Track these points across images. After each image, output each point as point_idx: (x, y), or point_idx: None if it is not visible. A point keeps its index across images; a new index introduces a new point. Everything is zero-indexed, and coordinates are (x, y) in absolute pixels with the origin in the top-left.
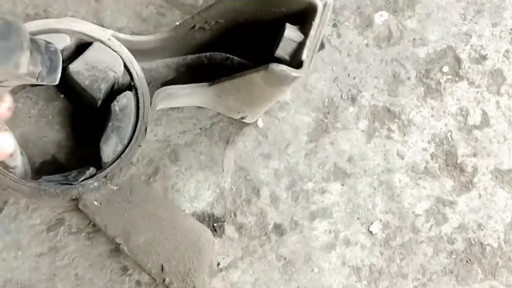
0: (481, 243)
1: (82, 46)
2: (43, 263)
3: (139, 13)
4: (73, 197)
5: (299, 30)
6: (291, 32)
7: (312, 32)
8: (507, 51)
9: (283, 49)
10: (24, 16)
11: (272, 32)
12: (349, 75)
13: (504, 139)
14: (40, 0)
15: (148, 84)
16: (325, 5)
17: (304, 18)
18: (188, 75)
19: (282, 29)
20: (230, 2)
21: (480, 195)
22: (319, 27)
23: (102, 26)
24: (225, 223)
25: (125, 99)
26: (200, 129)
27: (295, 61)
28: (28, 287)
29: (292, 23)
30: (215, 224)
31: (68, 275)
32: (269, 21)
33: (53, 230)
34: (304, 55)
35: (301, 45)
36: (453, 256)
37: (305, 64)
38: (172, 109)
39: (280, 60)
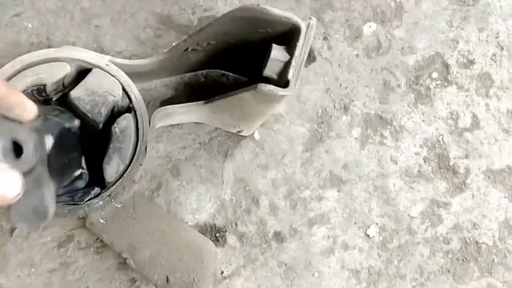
0: (477, 241)
1: (82, 73)
2: (55, 278)
3: (137, 37)
4: (80, 216)
5: (285, 50)
6: (277, 53)
7: (297, 52)
8: (494, 54)
9: (271, 69)
10: (28, 45)
11: (261, 51)
12: (340, 85)
13: (494, 140)
14: (43, 28)
15: (148, 103)
16: (308, 25)
17: (289, 38)
18: (186, 92)
19: (269, 49)
20: (219, 26)
21: (473, 195)
22: (304, 46)
23: (103, 50)
24: (227, 233)
25: (125, 121)
26: (200, 144)
27: (282, 80)
28: None
29: (279, 43)
30: (217, 234)
31: None
32: (257, 41)
33: (64, 247)
34: (290, 74)
35: (287, 65)
36: (450, 256)
37: (291, 83)
38: (172, 126)
39: (268, 79)
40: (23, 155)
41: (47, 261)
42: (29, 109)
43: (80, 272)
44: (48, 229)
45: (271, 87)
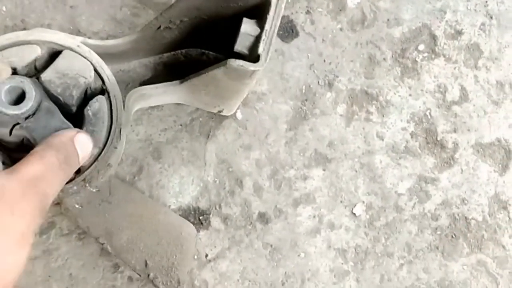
0: (466, 217)
1: (54, 55)
2: (38, 266)
3: (114, 16)
4: (55, 202)
5: (256, 24)
6: (247, 27)
7: (267, 26)
8: (483, 24)
9: (241, 44)
10: (3, 28)
11: (235, 26)
12: (324, 60)
13: (484, 113)
14: (17, 11)
15: (127, 85)
16: None
17: (261, 12)
18: (166, 73)
19: (240, 24)
20: (189, 1)
21: (462, 170)
22: (274, 19)
23: (79, 31)
24: (211, 216)
25: (98, 104)
26: (181, 125)
27: (253, 55)
28: None
29: (251, 17)
30: (201, 217)
31: (63, 276)
32: (230, 16)
33: (45, 234)
34: (261, 49)
35: (258, 39)
36: (438, 232)
37: (262, 58)
38: (152, 108)
39: (240, 55)
40: (27, 96)
41: None
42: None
43: (63, 259)
44: None
45: (240, 62)
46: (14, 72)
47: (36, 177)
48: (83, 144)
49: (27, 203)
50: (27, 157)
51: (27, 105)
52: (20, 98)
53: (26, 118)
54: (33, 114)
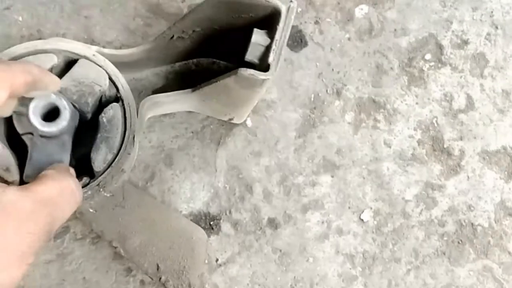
0: (472, 223)
1: (70, 64)
2: (52, 269)
3: (127, 26)
4: None
5: (266, 34)
6: (258, 37)
7: (277, 36)
8: (488, 34)
9: (252, 54)
10: (19, 38)
11: (247, 36)
12: (333, 69)
13: (490, 121)
14: (33, 21)
15: (140, 93)
16: (288, 8)
17: (271, 22)
18: (177, 81)
19: (251, 34)
20: (202, 12)
21: (468, 177)
22: (284, 30)
23: (93, 41)
24: (221, 221)
25: (112, 111)
26: (192, 132)
27: (264, 64)
28: None
29: (262, 28)
30: (211, 222)
31: (76, 279)
32: (242, 26)
33: (60, 238)
34: (271, 58)
35: (268, 49)
36: (445, 238)
37: (272, 67)
38: (164, 115)
39: (250, 64)
40: (58, 119)
41: (44, 252)
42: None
43: (76, 263)
44: None
45: (251, 71)
46: None
47: (49, 199)
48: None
49: (35, 224)
50: (42, 177)
51: (59, 125)
52: (50, 113)
53: (42, 136)
54: (51, 137)
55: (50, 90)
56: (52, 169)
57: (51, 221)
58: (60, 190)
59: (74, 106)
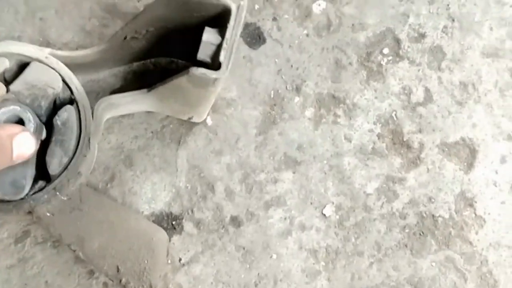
0: (433, 215)
1: (23, 67)
2: (14, 274)
3: (83, 27)
4: (26, 211)
5: (218, 33)
6: (209, 36)
7: (227, 34)
8: (445, 27)
9: (203, 52)
10: None
11: (200, 35)
12: (292, 66)
13: (448, 113)
14: None
15: (97, 95)
16: (238, 7)
17: (222, 21)
18: (136, 82)
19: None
20: (153, 11)
21: (428, 169)
22: (235, 28)
23: (49, 43)
24: (183, 220)
25: (66, 113)
26: (152, 132)
27: (216, 63)
28: None
29: (215, 26)
30: (173, 222)
31: (39, 284)
32: (195, 25)
33: (20, 242)
34: (222, 57)
35: (219, 47)
36: (406, 231)
37: (223, 65)
38: (123, 116)
39: (203, 63)
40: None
41: (5, 257)
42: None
43: (38, 267)
44: (4, 225)
45: (202, 71)
46: None
47: None
48: (21, 143)
49: None
50: None
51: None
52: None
53: None
54: None
55: None
56: None
57: None
58: None
59: (40, 119)
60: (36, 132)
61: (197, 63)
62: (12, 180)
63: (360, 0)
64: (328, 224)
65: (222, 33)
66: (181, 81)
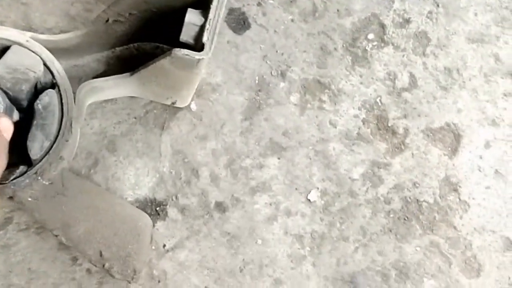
0: (417, 200)
1: (4, 51)
2: None
3: (67, 12)
4: (8, 196)
5: (200, 14)
6: (192, 17)
7: (211, 15)
8: (430, 12)
9: (187, 34)
10: None
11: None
12: (277, 51)
13: (433, 98)
14: None
15: (80, 79)
16: None
17: (205, 3)
18: (120, 67)
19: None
20: None
21: (413, 154)
22: (218, 9)
23: (31, 28)
24: (168, 206)
25: (48, 97)
26: (135, 118)
27: (199, 44)
28: None
29: (198, 8)
30: (157, 208)
31: (23, 270)
32: (180, 8)
33: (3, 229)
34: (205, 38)
35: (202, 28)
36: (391, 215)
37: (207, 46)
38: (106, 101)
39: (186, 45)
40: None
41: None
42: None
43: (22, 254)
44: None
45: (185, 51)
46: None
47: None
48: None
49: None
50: None
51: None
52: None
53: None
54: None
55: None
56: None
57: None
58: None
59: (7, 93)
60: (7, 112)
61: (181, 46)
62: None
63: None
64: (314, 209)
65: (205, 15)
66: (163, 63)
